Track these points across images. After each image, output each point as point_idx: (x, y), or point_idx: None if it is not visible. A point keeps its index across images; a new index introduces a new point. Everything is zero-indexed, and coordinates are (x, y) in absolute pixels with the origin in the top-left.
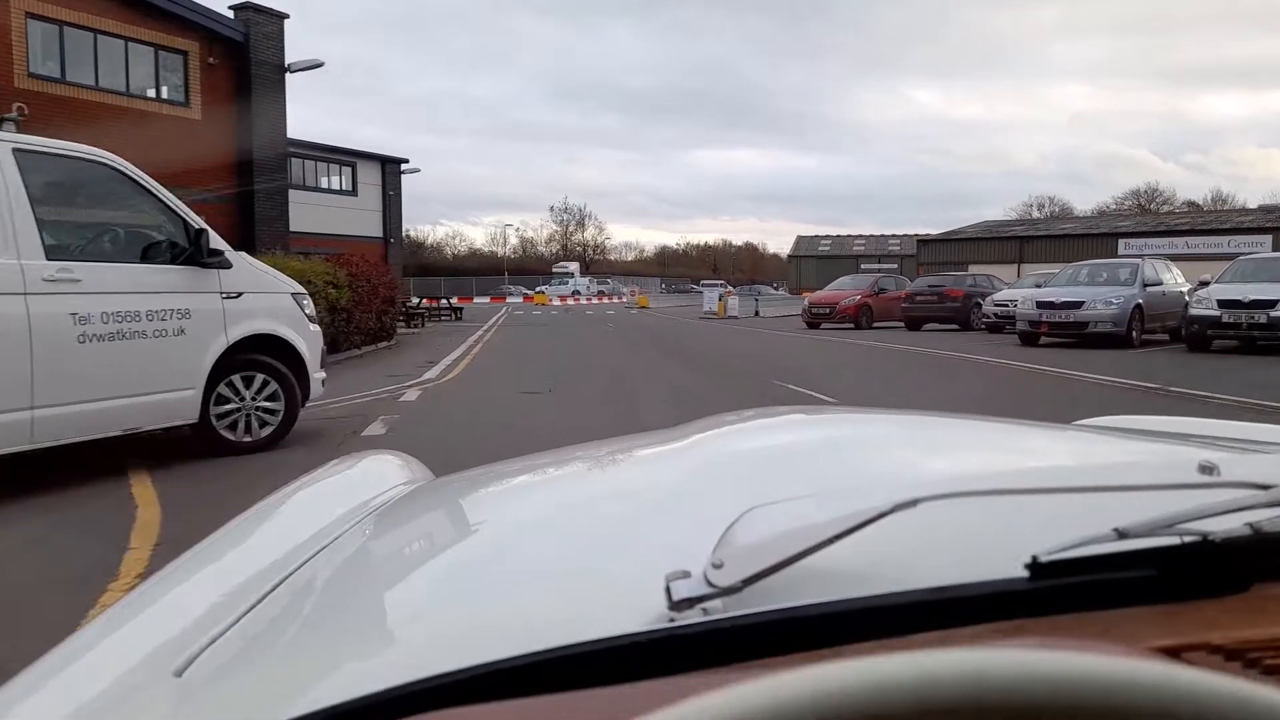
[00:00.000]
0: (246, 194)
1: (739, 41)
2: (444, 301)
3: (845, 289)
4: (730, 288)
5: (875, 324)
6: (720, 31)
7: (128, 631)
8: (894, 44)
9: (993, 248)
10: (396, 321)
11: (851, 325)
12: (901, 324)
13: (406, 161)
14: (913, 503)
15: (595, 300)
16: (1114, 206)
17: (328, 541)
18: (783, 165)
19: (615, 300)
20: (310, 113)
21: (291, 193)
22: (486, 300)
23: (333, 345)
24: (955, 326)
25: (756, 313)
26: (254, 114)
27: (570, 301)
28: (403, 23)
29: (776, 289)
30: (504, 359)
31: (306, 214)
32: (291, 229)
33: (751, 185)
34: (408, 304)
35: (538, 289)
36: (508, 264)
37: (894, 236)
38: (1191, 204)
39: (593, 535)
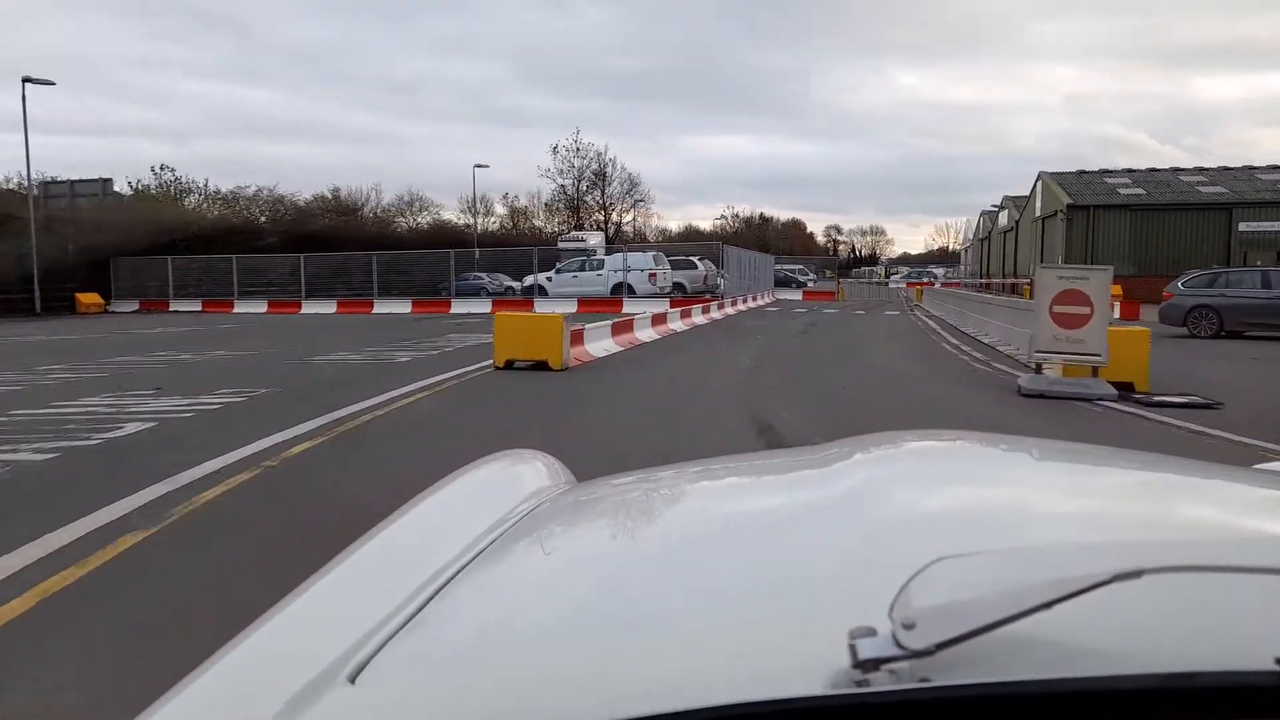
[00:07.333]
0: None
1: (719, 20)
2: None
3: None
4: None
5: None
6: (700, 12)
7: (294, 635)
8: (876, 26)
9: None
10: None
11: None
12: None
13: None
14: (1137, 574)
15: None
16: None
17: (483, 547)
18: (775, 151)
19: (731, 308)
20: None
21: None
22: (406, 310)
23: None
24: None
25: None
26: None
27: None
28: (372, 4)
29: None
30: None
31: None
32: None
33: (745, 172)
34: None
35: (527, 281)
36: (482, 239)
37: (1267, 167)
38: None
39: (759, 566)
